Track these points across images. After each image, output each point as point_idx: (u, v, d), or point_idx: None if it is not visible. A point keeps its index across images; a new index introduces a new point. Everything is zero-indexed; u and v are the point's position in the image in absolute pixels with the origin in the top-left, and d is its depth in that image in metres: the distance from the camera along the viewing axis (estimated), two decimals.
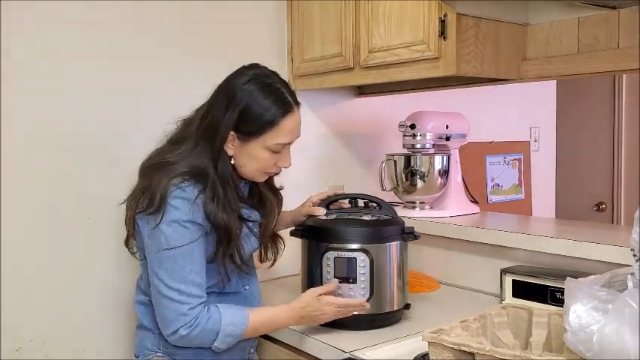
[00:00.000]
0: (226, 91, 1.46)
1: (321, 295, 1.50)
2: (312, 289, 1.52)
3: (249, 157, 1.47)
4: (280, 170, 1.57)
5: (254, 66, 1.52)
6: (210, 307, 1.43)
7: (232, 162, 1.48)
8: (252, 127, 1.43)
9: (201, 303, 1.42)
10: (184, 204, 1.39)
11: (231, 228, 1.44)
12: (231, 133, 1.44)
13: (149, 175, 1.46)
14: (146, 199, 1.42)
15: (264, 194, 1.62)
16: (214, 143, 1.44)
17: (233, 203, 1.46)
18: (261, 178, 1.55)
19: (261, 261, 1.68)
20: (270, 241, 1.68)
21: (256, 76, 1.46)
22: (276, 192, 1.66)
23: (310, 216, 1.69)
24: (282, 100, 1.46)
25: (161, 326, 1.45)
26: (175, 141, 1.52)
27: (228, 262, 1.48)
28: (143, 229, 1.45)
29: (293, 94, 1.50)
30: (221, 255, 1.46)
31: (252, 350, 1.64)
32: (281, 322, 1.52)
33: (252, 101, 1.43)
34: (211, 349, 1.46)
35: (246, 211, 1.54)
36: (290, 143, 1.51)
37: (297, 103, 1.50)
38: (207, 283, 1.46)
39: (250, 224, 1.54)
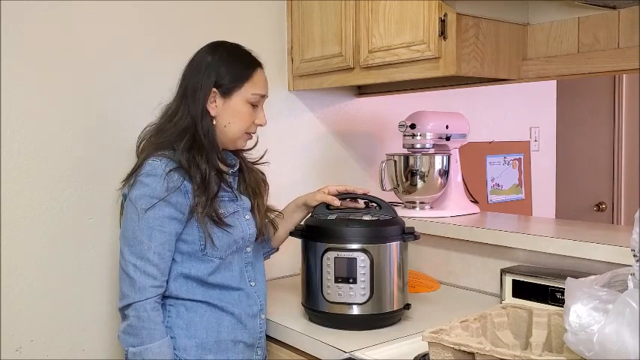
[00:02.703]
0: (198, 61, 1.55)
1: None
2: None
3: (233, 114, 1.54)
4: (256, 130, 1.61)
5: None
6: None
7: (214, 123, 1.54)
8: (231, 80, 1.53)
9: (154, 286, 1.44)
10: (154, 180, 1.44)
11: (209, 179, 1.49)
12: (213, 90, 1.52)
13: (139, 153, 1.55)
14: (128, 175, 1.52)
15: (250, 177, 1.66)
16: (196, 104, 1.51)
17: (211, 156, 1.51)
18: (242, 142, 1.60)
19: (257, 239, 1.65)
20: (265, 217, 1.68)
21: (221, 43, 1.59)
22: (257, 170, 1.71)
23: (322, 203, 1.71)
24: (251, 57, 1.59)
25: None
26: (164, 114, 1.58)
27: (207, 220, 1.48)
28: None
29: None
30: (200, 208, 1.47)
31: (259, 352, 1.64)
32: None
33: (227, 59, 1.54)
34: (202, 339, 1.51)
35: (242, 201, 1.60)
36: (265, 96, 1.59)
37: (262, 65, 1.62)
38: (193, 247, 1.49)
39: (229, 180, 1.58)
